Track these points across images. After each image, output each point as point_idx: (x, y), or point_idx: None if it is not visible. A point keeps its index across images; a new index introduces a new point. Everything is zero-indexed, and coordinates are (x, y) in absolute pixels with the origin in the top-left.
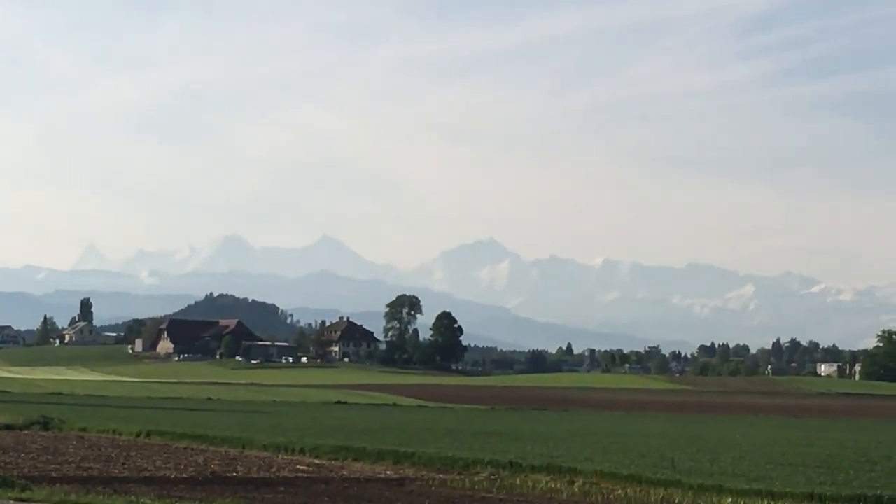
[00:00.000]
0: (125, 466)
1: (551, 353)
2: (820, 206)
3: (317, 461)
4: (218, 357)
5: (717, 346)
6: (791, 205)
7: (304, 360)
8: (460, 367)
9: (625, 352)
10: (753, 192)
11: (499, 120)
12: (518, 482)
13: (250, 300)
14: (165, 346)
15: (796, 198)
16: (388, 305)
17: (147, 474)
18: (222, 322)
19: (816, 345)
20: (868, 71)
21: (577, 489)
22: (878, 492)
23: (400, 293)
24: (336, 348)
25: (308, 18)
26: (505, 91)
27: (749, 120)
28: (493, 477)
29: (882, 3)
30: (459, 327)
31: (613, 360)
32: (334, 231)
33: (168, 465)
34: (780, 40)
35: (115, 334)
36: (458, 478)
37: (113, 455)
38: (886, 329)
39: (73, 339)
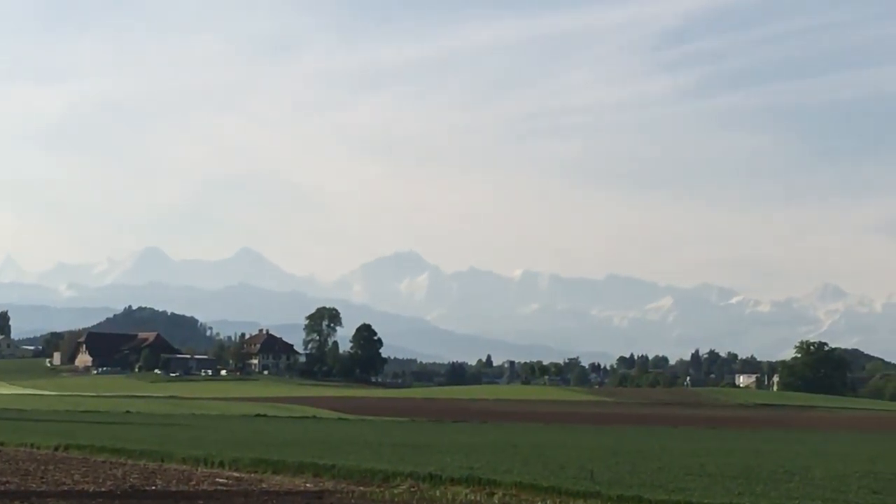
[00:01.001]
0: (43, 480)
1: (471, 365)
2: (738, 218)
3: (236, 474)
4: (137, 370)
5: (636, 358)
6: (709, 217)
7: (223, 372)
8: (380, 380)
9: (544, 363)
10: (672, 203)
11: (418, 132)
12: (438, 494)
13: (169, 313)
14: (84, 359)
15: (714, 210)
16: (308, 318)
17: (65, 488)
18: (141, 335)
19: (735, 356)
20: (784, 83)
21: (496, 501)
22: (796, 502)
23: (320, 305)
24: (256, 361)
25: (227, 31)
26: (424, 103)
27: (667, 132)
28: (412, 489)
29: (796, 17)
30: (379, 339)
31: (533, 372)
32: (254, 243)
33: (86, 479)
34: (696, 53)
35: (33, 347)
36: (377, 490)
37: (31, 469)
38: (804, 340)
39: None
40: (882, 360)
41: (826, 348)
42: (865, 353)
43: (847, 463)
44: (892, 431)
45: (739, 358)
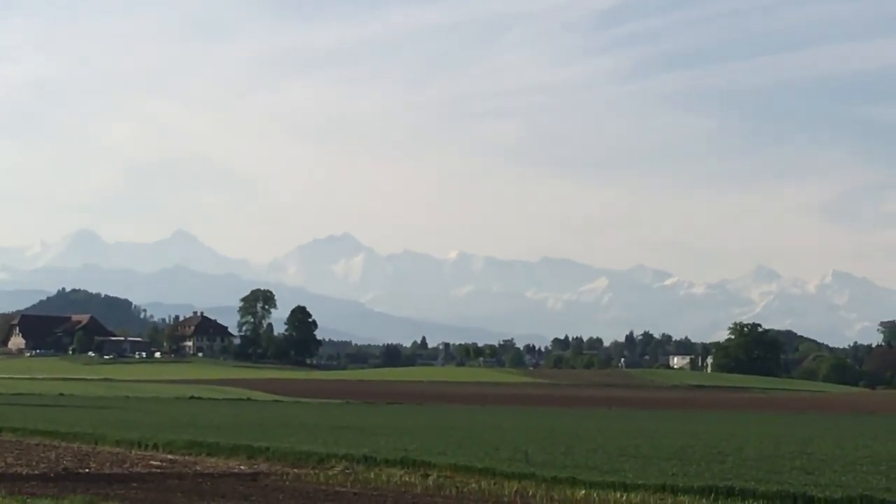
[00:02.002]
0: None
1: (406, 347)
2: (672, 201)
3: (170, 457)
4: (70, 353)
5: (570, 340)
6: (643, 199)
7: (157, 355)
8: (315, 362)
9: (479, 345)
10: (606, 185)
11: (352, 115)
12: (372, 476)
13: (103, 295)
14: (17, 341)
15: (648, 192)
16: (243, 300)
17: None
18: (75, 317)
19: (669, 337)
20: (718, 65)
21: (431, 483)
22: (730, 483)
23: (254, 288)
24: (190, 343)
25: (161, 13)
26: (358, 86)
27: (602, 114)
28: (347, 471)
29: None
30: (314, 322)
31: (468, 354)
32: (188, 226)
33: (20, 462)
34: (631, 35)
35: None
36: (312, 472)
37: None
38: (737, 321)
39: None
40: (815, 341)
41: (759, 330)
42: (798, 334)
43: (780, 444)
44: (824, 412)
45: (673, 339)
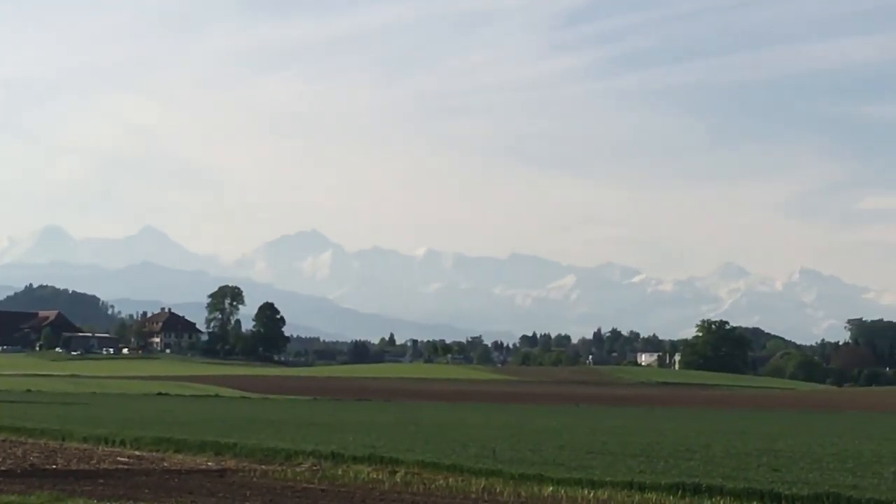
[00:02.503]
0: None
1: (374, 344)
2: (641, 197)
3: (137, 453)
4: (38, 348)
5: (538, 336)
6: (612, 196)
7: (125, 351)
8: (283, 358)
9: (447, 342)
10: (574, 183)
11: (322, 111)
12: (340, 472)
13: (71, 291)
14: None
15: (617, 189)
16: (211, 296)
17: None
18: (42, 313)
19: (637, 334)
20: (686, 63)
21: (398, 479)
22: (697, 480)
23: (222, 284)
24: (158, 339)
25: (130, 7)
26: (328, 82)
27: (570, 111)
28: (314, 467)
29: None
30: (282, 318)
31: (436, 351)
32: (157, 222)
33: None
34: (599, 33)
35: None
36: (279, 469)
37: None
38: (705, 319)
39: None
40: (782, 338)
41: (727, 327)
42: (766, 331)
43: (747, 441)
44: (791, 410)
45: (641, 336)
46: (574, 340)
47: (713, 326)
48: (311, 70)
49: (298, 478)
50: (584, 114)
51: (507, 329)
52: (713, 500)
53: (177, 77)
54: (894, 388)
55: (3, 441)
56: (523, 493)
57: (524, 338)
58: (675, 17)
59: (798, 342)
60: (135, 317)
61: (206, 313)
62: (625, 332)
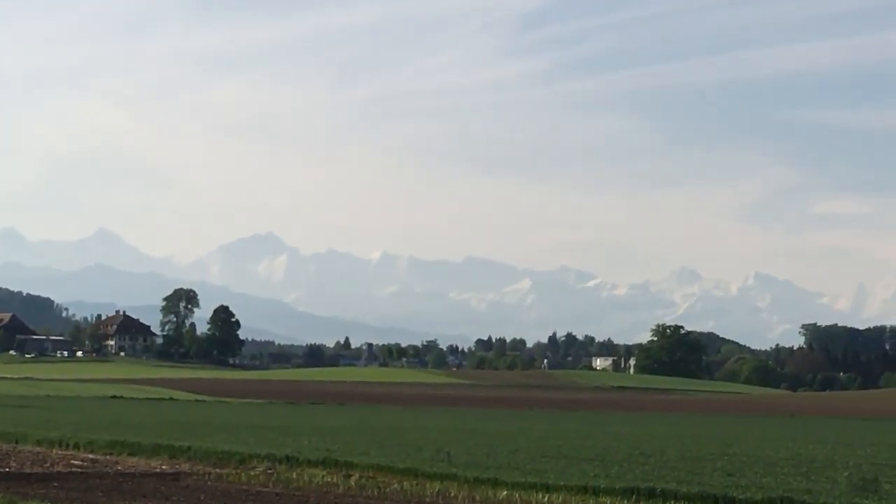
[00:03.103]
0: None
1: (329, 347)
2: (595, 202)
3: (91, 456)
4: None
5: (494, 340)
6: (567, 200)
7: (79, 354)
8: (237, 362)
9: (402, 346)
10: (530, 186)
11: (277, 113)
12: (294, 476)
13: (25, 293)
14: None
15: (572, 193)
16: (165, 299)
17: None
18: None
19: (592, 339)
20: (644, 67)
21: (353, 483)
22: (651, 484)
23: (177, 287)
24: (112, 342)
25: (83, 9)
26: (283, 85)
27: (525, 115)
28: (269, 471)
29: (653, 2)
30: (237, 321)
31: (391, 354)
32: (111, 224)
33: None
34: (554, 37)
35: None
36: (234, 472)
37: None
38: (660, 323)
39: None
40: (737, 343)
41: (682, 331)
42: (721, 336)
43: (702, 445)
44: (746, 414)
45: (596, 341)
46: (529, 344)
47: (668, 331)
48: (267, 72)
49: (253, 481)
50: (540, 117)
51: (462, 333)
52: None
53: (132, 79)
54: (848, 393)
55: None
56: (478, 497)
57: (479, 342)
58: (630, 22)
59: (753, 347)
60: (89, 319)
61: (160, 316)
62: (580, 337)
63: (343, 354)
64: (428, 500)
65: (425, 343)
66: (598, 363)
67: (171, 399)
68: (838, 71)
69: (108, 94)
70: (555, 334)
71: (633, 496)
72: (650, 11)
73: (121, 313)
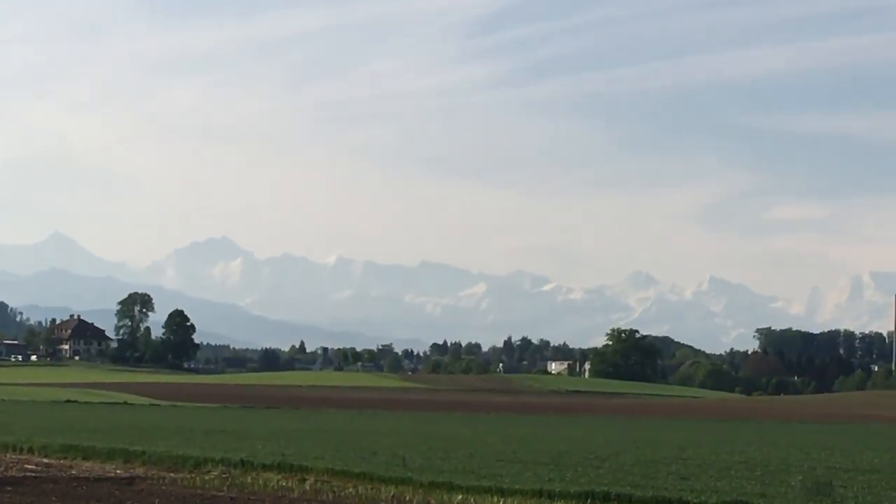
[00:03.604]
0: None
1: (284, 352)
2: (551, 206)
3: (46, 460)
4: None
5: (449, 345)
6: (522, 204)
7: (33, 358)
8: (193, 366)
9: (358, 350)
10: (485, 190)
11: (231, 117)
12: (249, 480)
13: None
14: None
15: (527, 197)
16: (120, 303)
17: None
18: None
19: (547, 343)
20: (595, 73)
21: (308, 487)
22: (606, 488)
23: (132, 291)
24: (67, 346)
25: (38, 14)
26: (237, 88)
27: (480, 119)
28: (224, 475)
29: (606, 6)
30: (192, 325)
31: (346, 359)
32: (66, 228)
33: None
34: (508, 41)
35: None
36: (188, 476)
37: None
38: (615, 327)
39: None
40: (691, 347)
41: (637, 335)
42: (675, 340)
43: (656, 449)
44: (700, 418)
45: (552, 345)
46: (485, 349)
47: (623, 335)
48: (221, 76)
49: (207, 485)
50: (494, 122)
51: (417, 337)
52: None
53: (85, 82)
54: (802, 397)
55: None
56: (433, 501)
57: (435, 346)
58: (584, 28)
59: (707, 351)
60: (44, 324)
61: (115, 320)
62: (535, 341)
63: (298, 358)
64: (383, 503)
65: (380, 347)
66: (554, 367)
67: (126, 403)
68: (793, 76)
69: (62, 98)
70: (510, 338)
71: (588, 500)
72: (603, 17)
73: (76, 317)
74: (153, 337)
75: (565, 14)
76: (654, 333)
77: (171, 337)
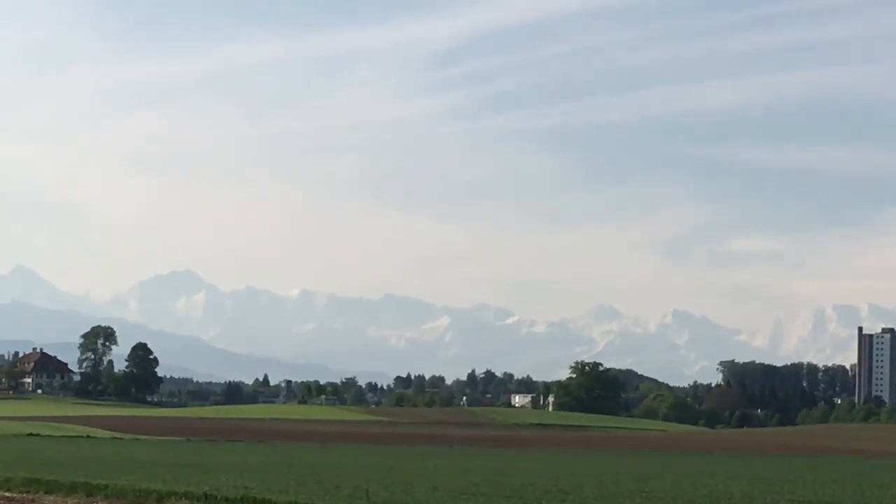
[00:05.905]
0: None
1: (248, 385)
2: (514, 239)
3: (8, 494)
4: None
5: (412, 378)
6: (485, 237)
7: None
8: (156, 399)
9: (321, 383)
10: (448, 223)
11: (194, 149)
12: None
13: None
14: None
15: (491, 230)
16: (83, 336)
17: None
18: None
19: (511, 376)
20: (553, 105)
21: None
22: None
23: (95, 324)
24: (29, 380)
25: None
26: (199, 120)
27: (441, 152)
28: None
29: (563, 40)
30: (155, 358)
31: (310, 392)
32: (27, 260)
33: None
34: (467, 74)
35: None
36: None
37: None
38: (579, 360)
39: None
40: (655, 380)
41: (600, 368)
42: (639, 373)
43: (619, 482)
44: (664, 451)
45: (515, 378)
46: (448, 381)
47: (586, 368)
48: (182, 108)
49: None
50: (455, 154)
51: (380, 370)
52: None
53: (45, 113)
54: (766, 430)
55: None
56: None
57: (398, 379)
58: (543, 60)
59: (671, 384)
60: (6, 357)
61: (78, 353)
62: (499, 374)
63: (262, 392)
64: None
65: (344, 380)
66: (517, 400)
67: (89, 437)
68: (752, 109)
69: (20, 128)
70: (474, 371)
71: None
72: (560, 50)
73: (38, 350)
74: (116, 370)
75: (522, 48)
76: (617, 366)
77: (135, 370)
